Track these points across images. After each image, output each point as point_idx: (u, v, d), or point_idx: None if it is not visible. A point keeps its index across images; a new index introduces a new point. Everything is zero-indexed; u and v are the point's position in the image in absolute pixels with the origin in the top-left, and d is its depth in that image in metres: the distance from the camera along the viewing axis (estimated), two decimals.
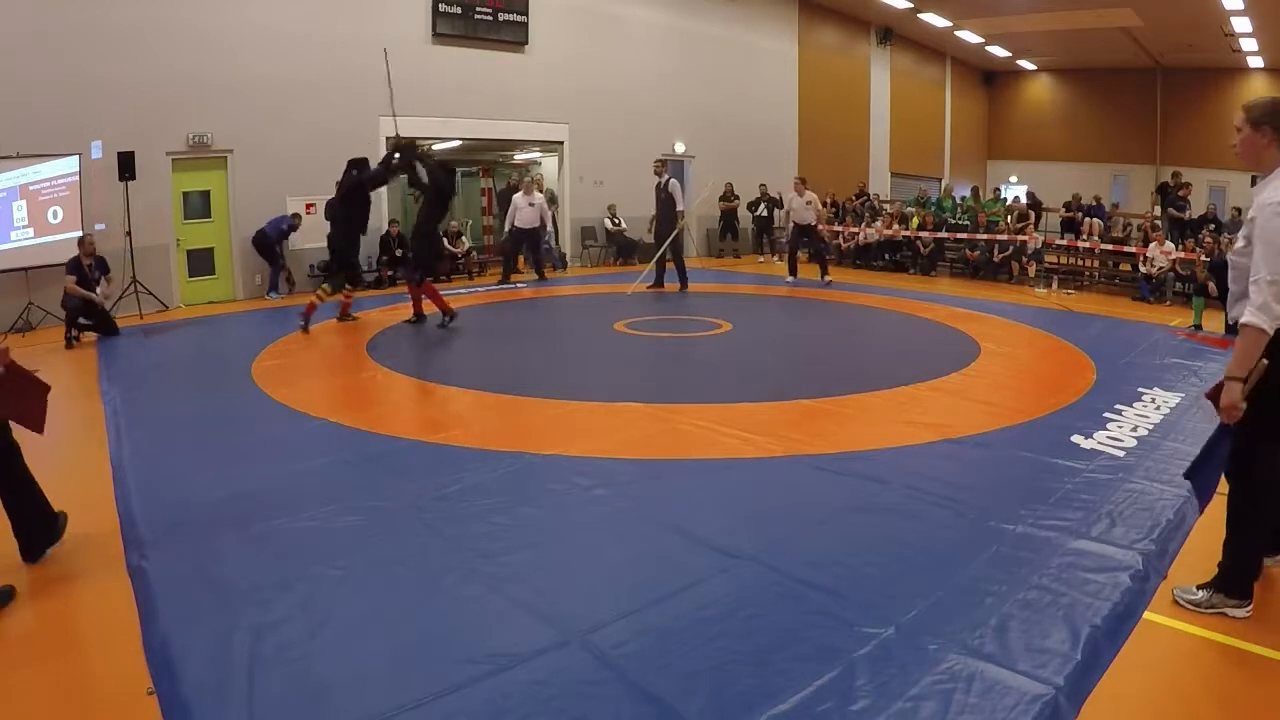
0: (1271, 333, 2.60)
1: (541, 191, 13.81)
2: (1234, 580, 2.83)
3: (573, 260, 14.28)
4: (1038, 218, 13.77)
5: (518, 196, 11.99)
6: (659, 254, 11.04)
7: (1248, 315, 2.60)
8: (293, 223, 10.69)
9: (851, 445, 4.59)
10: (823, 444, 4.62)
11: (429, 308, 8.46)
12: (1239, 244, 2.79)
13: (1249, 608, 2.82)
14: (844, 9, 18.79)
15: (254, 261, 10.70)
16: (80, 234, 8.50)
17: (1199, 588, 2.91)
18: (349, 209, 8.47)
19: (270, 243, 10.52)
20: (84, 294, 7.97)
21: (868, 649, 2.54)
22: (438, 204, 8.44)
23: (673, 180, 11.22)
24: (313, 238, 10.94)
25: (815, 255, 12.76)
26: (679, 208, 11.08)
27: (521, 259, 12.75)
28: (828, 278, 11.76)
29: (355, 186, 8.42)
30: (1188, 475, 3.12)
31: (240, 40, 10.19)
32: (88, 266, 8.12)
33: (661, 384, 6.33)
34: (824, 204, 16.54)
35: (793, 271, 12.15)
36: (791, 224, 12.32)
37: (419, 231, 8.47)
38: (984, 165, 24.87)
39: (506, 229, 12.26)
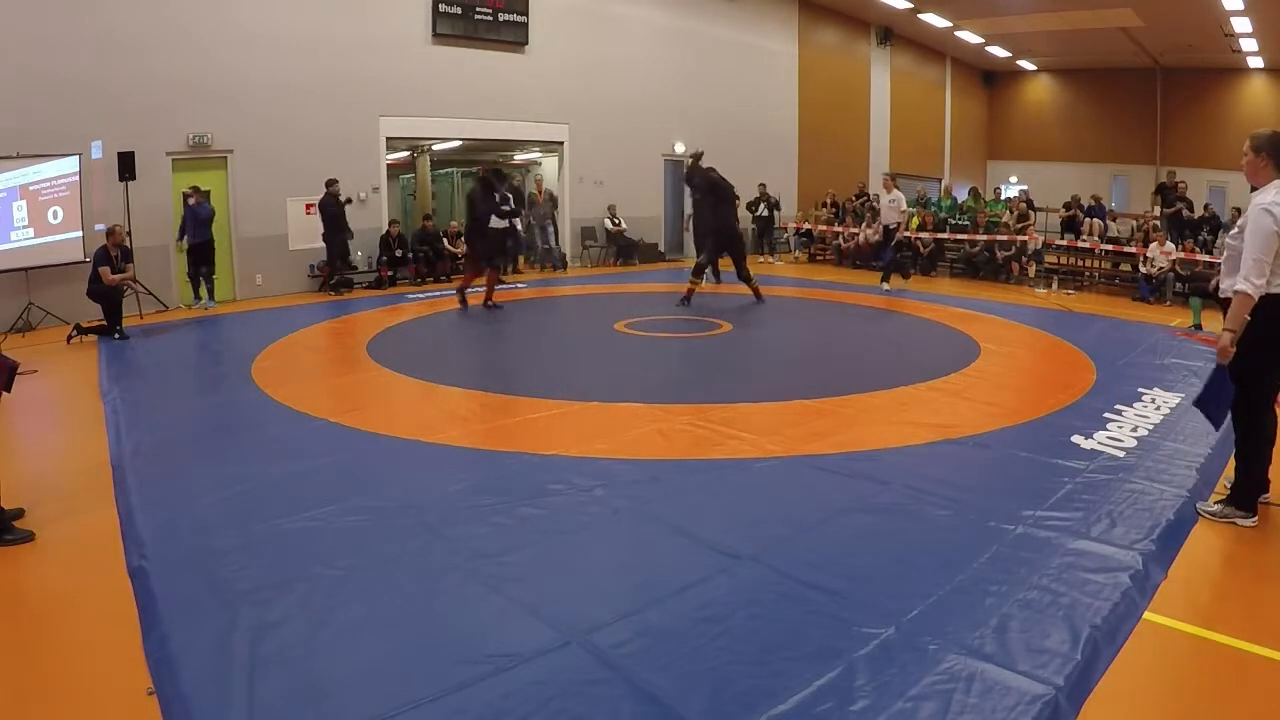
0: (1256, 297, 3.27)
1: (540, 193, 13.79)
2: (1244, 496, 3.54)
3: (573, 260, 14.26)
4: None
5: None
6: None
7: (1239, 283, 3.30)
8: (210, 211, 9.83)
9: (851, 445, 4.59)
10: (823, 444, 4.63)
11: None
12: (1234, 231, 3.52)
13: (1255, 519, 3.51)
14: (844, 9, 18.78)
15: (255, 263, 10.69)
16: (104, 227, 8.59)
17: (1216, 502, 3.61)
18: (717, 200, 9.75)
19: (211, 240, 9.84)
20: (123, 277, 8.33)
21: (868, 649, 2.54)
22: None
23: None
24: (311, 238, 10.95)
25: (891, 257, 11.85)
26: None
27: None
28: (896, 282, 11.46)
29: (714, 185, 9.74)
30: (1196, 404, 3.68)
31: (240, 40, 10.19)
32: (115, 257, 8.19)
33: (661, 384, 6.32)
34: (823, 204, 16.63)
35: (886, 278, 11.56)
36: (880, 225, 11.93)
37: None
38: (984, 165, 24.83)
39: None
